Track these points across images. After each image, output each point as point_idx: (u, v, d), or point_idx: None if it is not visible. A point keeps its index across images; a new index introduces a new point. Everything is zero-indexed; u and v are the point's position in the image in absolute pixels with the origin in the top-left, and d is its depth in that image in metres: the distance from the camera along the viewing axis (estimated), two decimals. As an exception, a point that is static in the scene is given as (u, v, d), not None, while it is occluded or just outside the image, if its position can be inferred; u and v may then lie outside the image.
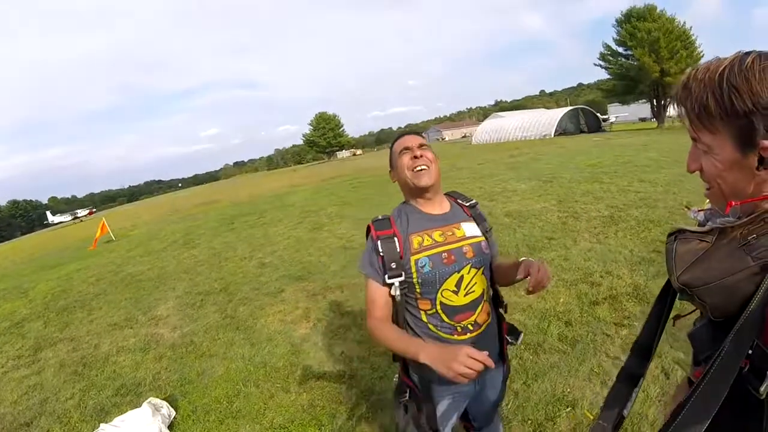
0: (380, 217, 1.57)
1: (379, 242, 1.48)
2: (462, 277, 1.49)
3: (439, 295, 1.48)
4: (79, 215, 57.86)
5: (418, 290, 1.49)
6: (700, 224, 0.87)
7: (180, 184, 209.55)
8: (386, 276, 1.45)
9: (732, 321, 0.75)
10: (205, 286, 6.48)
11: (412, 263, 1.46)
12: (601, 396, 2.57)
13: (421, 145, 1.56)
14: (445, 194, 1.67)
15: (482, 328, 1.53)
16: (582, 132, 37.22)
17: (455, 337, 1.49)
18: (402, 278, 1.46)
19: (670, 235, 0.87)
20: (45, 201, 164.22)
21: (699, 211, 0.90)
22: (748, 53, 0.71)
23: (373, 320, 1.49)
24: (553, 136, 34.31)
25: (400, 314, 1.53)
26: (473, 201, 1.69)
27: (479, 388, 1.63)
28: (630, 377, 1.01)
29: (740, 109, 0.69)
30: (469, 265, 1.50)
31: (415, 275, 1.47)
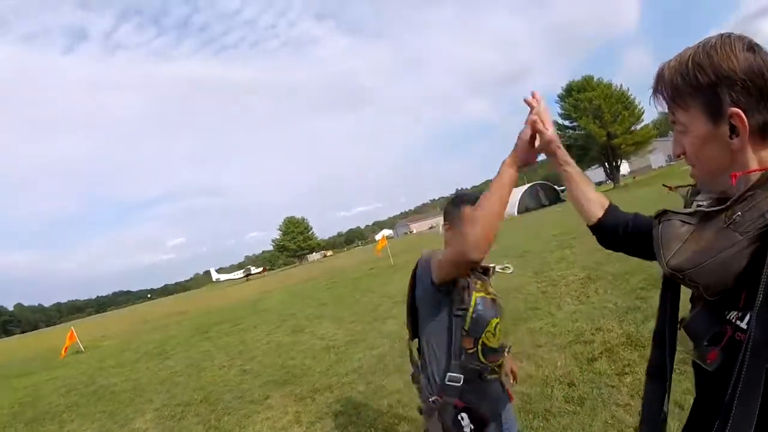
0: None
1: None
2: (498, 323, 1.61)
3: (483, 335, 1.55)
4: (252, 272, 57.97)
5: (466, 327, 1.53)
6: (687, 202, 0.90)
7: (149, 295, 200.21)
8: (455, 309, 1.52)
9: (729, 295, 0.75)
10: (185, 396, 6.01)
11: (473, 299, 1.54)
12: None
13: None
14: None
15: (502, 370, 1.69)
16: (543, 206, 38.82)
17: (486, 375, 1.57)
18: (464, 309, 1.52)
19: (655, 218, 0.86)
20: (11, 308, 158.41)
21: (684, 187, 0.95)
22: (712, 36, 0.79)
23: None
24: (516, 214, 35.55)
25: (457, 342, 1.54)
26: (493, 264, 1.80)
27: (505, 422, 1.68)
28: (657, 369, 0.96)
29: (705, 83, 0.76)
30: (501, 316, 1.64)
31: (471, 311, 1.52)
